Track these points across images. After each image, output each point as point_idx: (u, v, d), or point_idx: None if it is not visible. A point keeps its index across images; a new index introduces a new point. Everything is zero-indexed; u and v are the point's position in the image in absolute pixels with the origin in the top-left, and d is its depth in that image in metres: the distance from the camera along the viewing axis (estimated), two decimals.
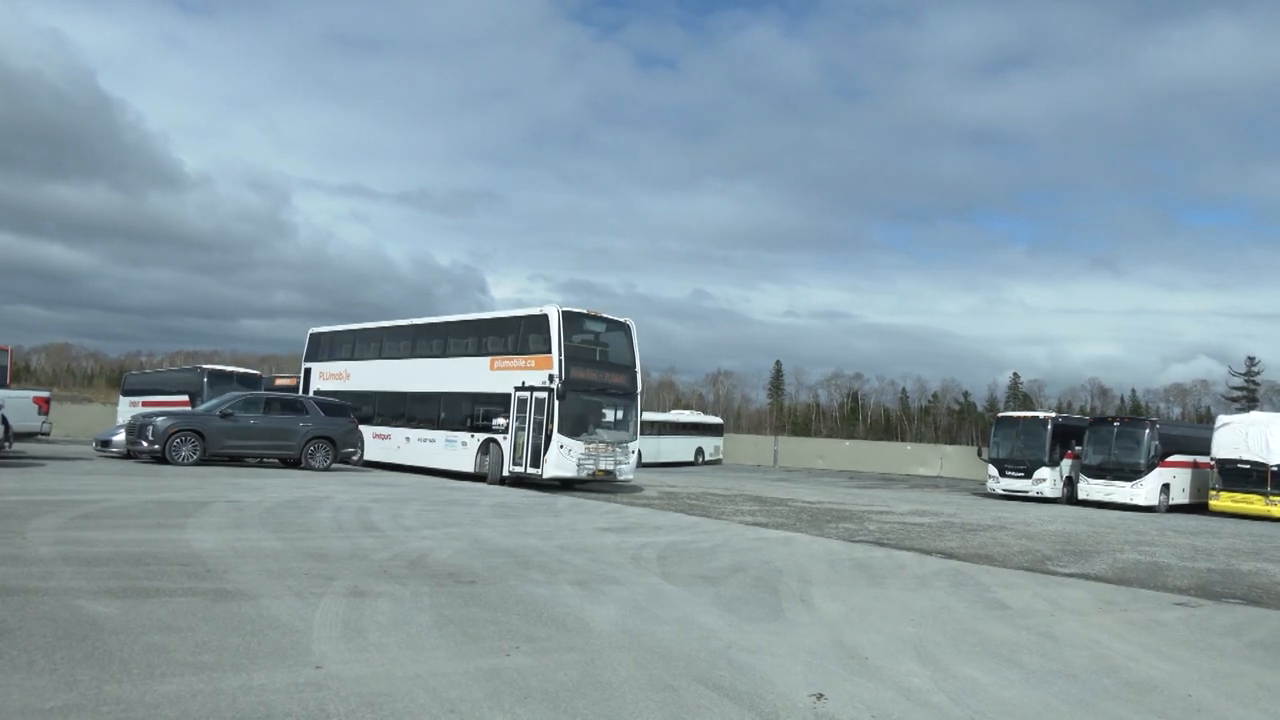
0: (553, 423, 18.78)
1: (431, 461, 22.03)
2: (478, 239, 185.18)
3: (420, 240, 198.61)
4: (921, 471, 41.87)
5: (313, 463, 19.76)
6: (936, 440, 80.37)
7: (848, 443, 52.62)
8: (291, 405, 20.67)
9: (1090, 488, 25.18)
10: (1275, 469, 22.93)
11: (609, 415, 20.47)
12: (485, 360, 21.19)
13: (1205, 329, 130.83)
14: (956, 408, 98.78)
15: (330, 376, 26.07)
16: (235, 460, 19.63)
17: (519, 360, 20.12)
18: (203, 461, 18.37)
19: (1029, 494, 25.98)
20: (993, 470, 27.20)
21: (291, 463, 19.96)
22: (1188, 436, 27.04)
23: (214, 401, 20.81)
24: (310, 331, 27.75)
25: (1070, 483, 26.31)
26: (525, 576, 7.56)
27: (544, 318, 19.60)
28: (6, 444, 16.79)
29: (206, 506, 11.01)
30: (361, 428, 23.54)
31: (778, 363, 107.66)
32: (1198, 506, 24.85)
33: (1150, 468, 24.40)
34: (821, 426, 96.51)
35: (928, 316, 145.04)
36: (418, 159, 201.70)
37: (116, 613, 5.27)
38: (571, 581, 7.49)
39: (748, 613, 6.70)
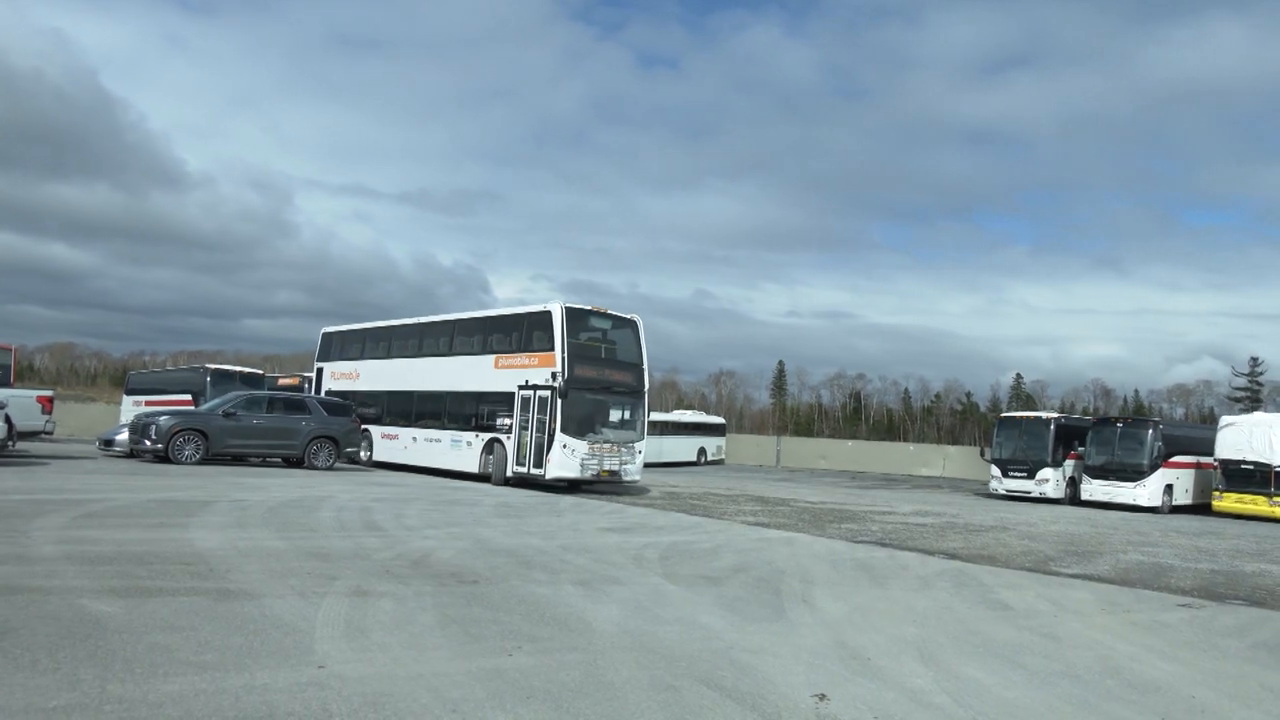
0: (556, 422, 18.58)
1: (437, 462, 21.95)
2: (479, 239, 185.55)
3: (422, 240, 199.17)
4: (924, 472, 41.85)
5: (315, 462, 19.80)
6: (939, 441, 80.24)
7: (850, 443, 52.57)
8: (294, 405, 20.70)
9: (1093, 488, 25.14)
10: (1279, 470, 22.90)
11: (615, 414, 20.16)
12: (490, 359, 21.01)
13: (1208, 329, 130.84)
14: (959, 408, 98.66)
15: (341, 376, 26.04)
16: (238, 460, 19.67)
17: (522, 358, 19.93)
18: (206, 461, 18.42)
19: (1032, 494, 25.92)
20: (995, 471, 27.14)
21: (294, 462, 20.01)
22: (1191, 437, 27.00)
23: (217, 401, 20.86)
24: (322, 331, 27.66)
25: (1073, 483, 26.24)
26: (527, 576, 7.56)
27: (547, 314, 19.41)
28: (10, 443, 16.83)
29: (209, 506, 11.03)
30: (370, 428, 23.60)
31: (780, 363, 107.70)
32: (1201, 507, 24.81)
33: (1153, 468, 24.36)
34: (824, 427, 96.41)
35: (930, 317, 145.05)
36: (419, 159, 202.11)
37: (119, 612, 5.28)
38: (574, 581, 7.49)
39: (750, 613, 6.70)
